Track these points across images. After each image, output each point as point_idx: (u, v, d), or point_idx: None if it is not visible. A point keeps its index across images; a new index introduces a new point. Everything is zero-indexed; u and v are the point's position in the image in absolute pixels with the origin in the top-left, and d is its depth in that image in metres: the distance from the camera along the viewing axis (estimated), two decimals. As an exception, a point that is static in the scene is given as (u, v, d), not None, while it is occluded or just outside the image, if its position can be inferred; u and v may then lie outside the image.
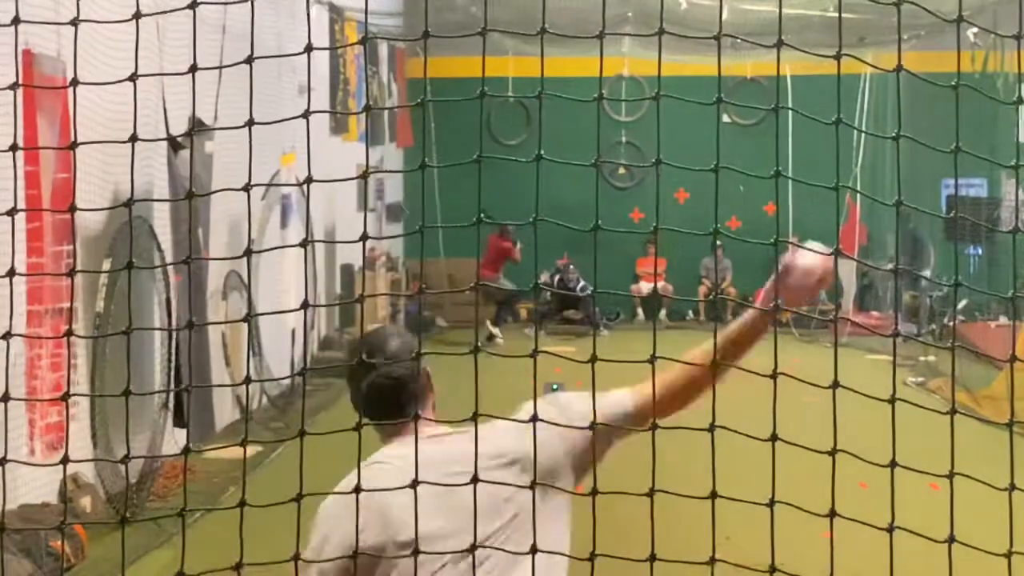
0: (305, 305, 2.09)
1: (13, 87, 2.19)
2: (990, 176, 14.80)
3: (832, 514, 1.99)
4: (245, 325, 9.02)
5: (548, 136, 2.13)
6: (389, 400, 2.40)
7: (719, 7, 2.10)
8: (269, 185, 8.94)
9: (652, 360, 2.01)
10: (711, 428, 1.99)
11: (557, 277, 15.56)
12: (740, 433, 1.97)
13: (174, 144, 7.61)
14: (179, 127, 7.45)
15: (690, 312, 16.66)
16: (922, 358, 12.15)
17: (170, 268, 7.41)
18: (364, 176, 2.31)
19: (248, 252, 2.18)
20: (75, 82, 2.10)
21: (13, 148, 2.16)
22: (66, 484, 5.92)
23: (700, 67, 11.35)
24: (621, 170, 16.85)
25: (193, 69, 2.04)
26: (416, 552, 2.03)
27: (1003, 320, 12.85)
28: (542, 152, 2.02)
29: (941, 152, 2.10)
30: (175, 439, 7.30)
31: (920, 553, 2.04)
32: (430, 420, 2.47)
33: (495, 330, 14.37)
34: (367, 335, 2.53)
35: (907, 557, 2.05)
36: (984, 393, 9.77)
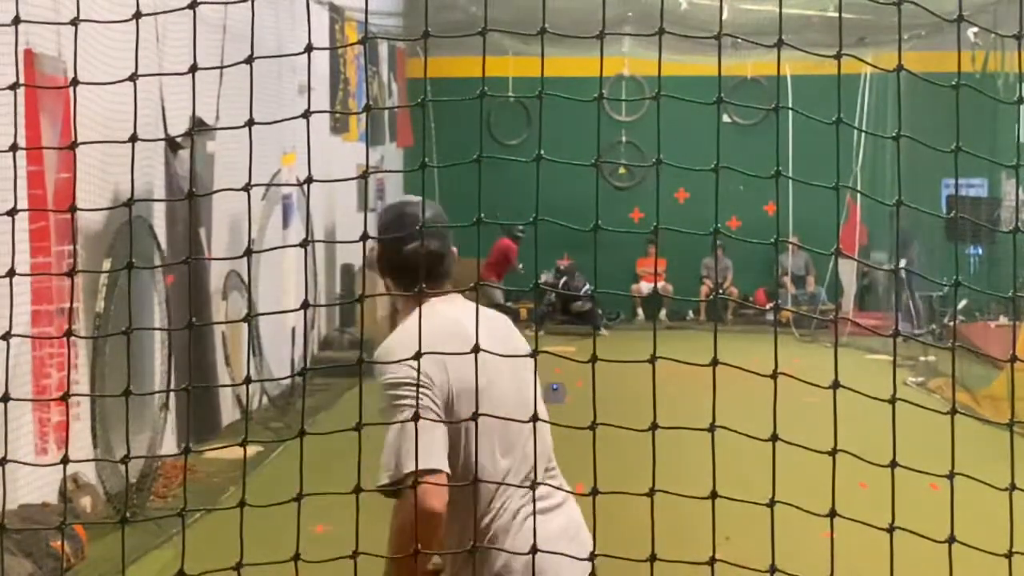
0: (305, 305, 2.09)
1: (14, 87, 2.19)
2: (990, 176, 14.80)
3: (832, 514, 1.99)
4: (245, 325, 9.02)
5: (548, 136, 2.13)
6: (431, 265, 2.60)
7: (719, 7, 2.10)
8: (269, 185, 8.93)
9: (652, 360, 2.00)
10: (711, 428, 1.99)
11: (563, 280, 15.54)
12: (740, 433, 1.97)
13: (172, 144, 7.61)
14: (180, 127, 7.45)
15: (690, 312, 16.65)
16: (922, 358, 12.15)
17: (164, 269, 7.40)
18: (364, 176, 2.31)
19: (248, 252, 2.18)
20: (75, 82, 2.10)
21: (13, 148, 2.16)
22: (66, 484, 5.92)
23: (700, 67, 11.35)
24: (621, 170, 16.84)
25: (193, 69, 2.04)
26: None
27: (1003, 320, 12.84)
28: (542, 152, 2.02)
29: (941, 152, 2.10)
30: (176, 439, 7.30)
31: (920, 553, 2.04)
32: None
33: None
34: (405, 205, 2.71)
35: (907, 557, 2.05)
36: (984, 393, 9.77)
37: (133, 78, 2.06)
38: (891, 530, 1.97)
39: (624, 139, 16.73)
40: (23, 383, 5.61)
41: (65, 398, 2.13)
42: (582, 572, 2.35)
